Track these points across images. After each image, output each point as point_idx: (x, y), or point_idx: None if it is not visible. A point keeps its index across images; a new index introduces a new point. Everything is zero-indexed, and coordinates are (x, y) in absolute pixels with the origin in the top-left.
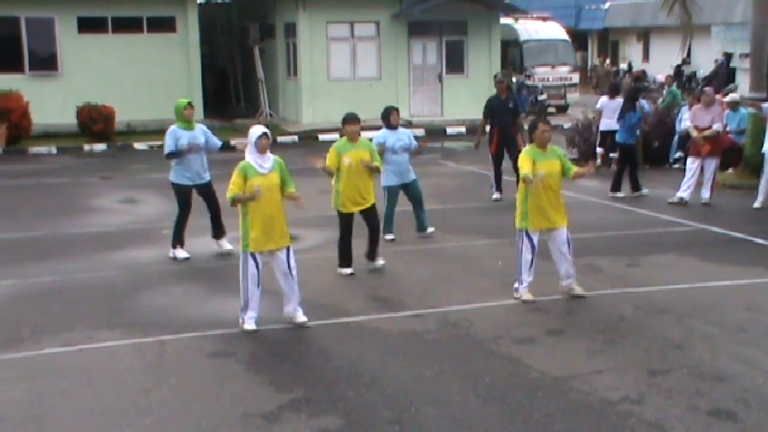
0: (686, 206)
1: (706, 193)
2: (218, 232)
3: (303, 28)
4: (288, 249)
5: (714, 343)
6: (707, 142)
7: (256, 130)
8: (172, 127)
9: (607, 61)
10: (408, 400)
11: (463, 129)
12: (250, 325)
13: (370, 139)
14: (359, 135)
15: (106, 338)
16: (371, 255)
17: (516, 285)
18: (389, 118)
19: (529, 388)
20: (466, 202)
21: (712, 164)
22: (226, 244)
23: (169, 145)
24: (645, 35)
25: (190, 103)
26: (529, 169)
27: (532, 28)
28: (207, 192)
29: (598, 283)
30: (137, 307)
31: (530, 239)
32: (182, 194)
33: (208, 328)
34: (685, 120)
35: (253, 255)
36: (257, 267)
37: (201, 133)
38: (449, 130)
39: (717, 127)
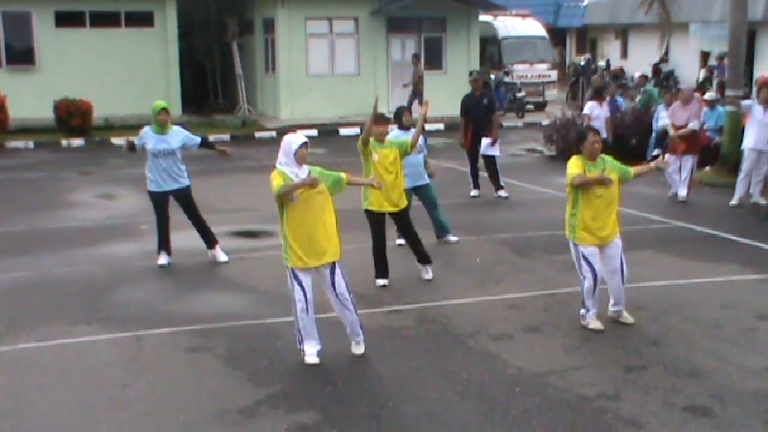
0: (669, 203)
1: (683, 191)
2: (209, 241)
3: (281, 24)
4: (333, 265)
5: (690, 339)
6: (683, 141)
7: (297, 138)
8: (146, 129)
9: (585, 56)
10: (385, 396)
11: (441, 126)
12: (311, 358)
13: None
14: (386, 135)
15: (84, 333)
16: (422, 259)
17: (582, 312)
18: (401, 118)
19: (506, 384)
20: (444, 198)
21: (688, 162)
22: (221, 255)
23: (136, 141)
24: (623, 33)
25: (165, 109)
26: (580, 170)
27: (510, 25)
28: (184, 199)
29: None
30: (115, 302)
31: (588, 262)
32: (156, 201)
33: (185, 323)
34: (662, 118)
35: (295, 274)
36: (304, 292)
37: (174, 136)
38: (428, 127)
39: (692, 125)
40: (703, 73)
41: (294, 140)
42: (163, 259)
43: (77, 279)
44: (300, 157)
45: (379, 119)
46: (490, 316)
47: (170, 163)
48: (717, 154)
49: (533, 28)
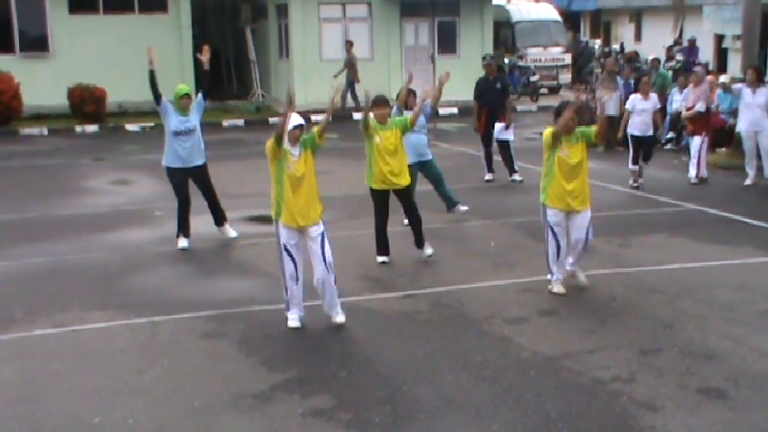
0: (683, 186)
1: (692, 171)
2: (219, 218)
3: (295, 9)
4: (322, 232)
5: (704, 322)
6: (689, 122)
7: (293, 120)
8: (169, 105)
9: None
10: (400, 380)
11: (455, 110)
12: (293, 322)
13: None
14: (388, 116)
15: (99, 319)
16: (418, 242)
17: (548, 276)
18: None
19: (520, 368)
20: (458, 182)
21: (694, 143)
22: (230, 231)
23: (161, 97)
24: (637, 16)
25: (188, 94)
26: (553, 139)
27: (524, 9)
28: (201, 177)
29: (590, 263)
30: (130, 288)
31: (553, 231)
32: (175, 180)
33: (200, 308)
34: (676, 101)
35: (286, 247)
36: (293, 260)
37: (196, 112)
38: (441, 111)
39: (698, 107)
40: (679, 56)
41: (291, 121)
42: (183, 243)
43: (92, 265)
44: (292, 137)
45: (379, 102)
46: (504, 300)
47: (194, 140)
48: (731, 136)
49: (547, 11)
